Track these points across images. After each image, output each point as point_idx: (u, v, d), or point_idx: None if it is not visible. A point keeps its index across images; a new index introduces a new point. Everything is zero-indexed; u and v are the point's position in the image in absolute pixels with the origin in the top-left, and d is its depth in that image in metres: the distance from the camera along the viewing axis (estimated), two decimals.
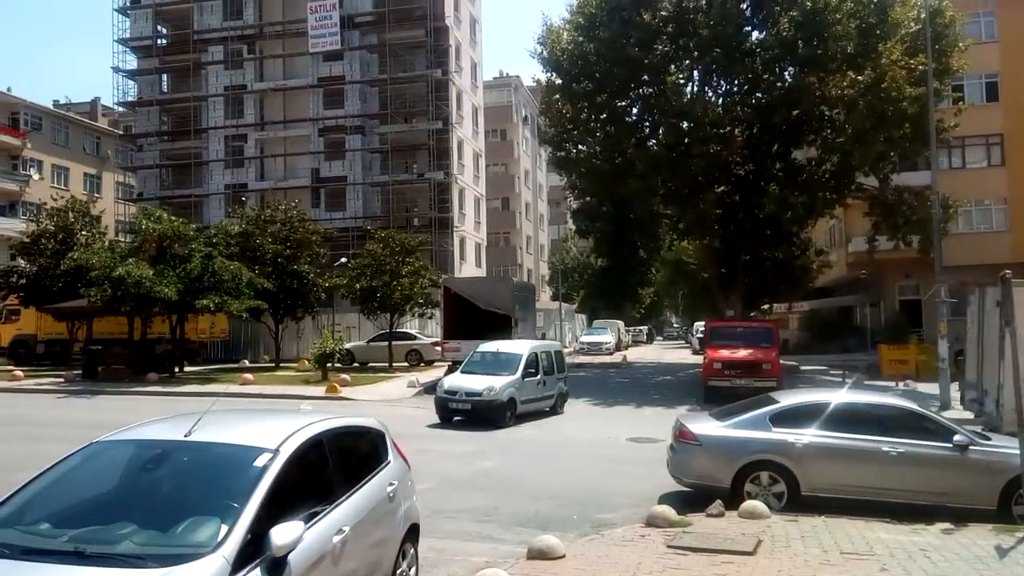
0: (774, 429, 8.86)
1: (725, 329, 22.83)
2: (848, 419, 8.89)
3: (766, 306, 42.60)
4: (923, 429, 8.78)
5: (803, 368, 29.10)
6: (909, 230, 27.41)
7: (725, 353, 20.05)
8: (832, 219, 36.51)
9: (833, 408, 9.00)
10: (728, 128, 27.27)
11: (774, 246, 31.87)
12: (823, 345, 38.64)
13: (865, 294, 37.95)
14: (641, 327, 75.18)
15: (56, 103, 59.87)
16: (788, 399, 9.65)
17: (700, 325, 45.57)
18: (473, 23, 50.74)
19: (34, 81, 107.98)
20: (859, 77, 23.37)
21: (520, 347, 17.82)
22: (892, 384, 21.90)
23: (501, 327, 23.48)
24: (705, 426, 9.34)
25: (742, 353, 19.94)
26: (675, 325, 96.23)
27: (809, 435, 8.72)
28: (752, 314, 36.27)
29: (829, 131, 26.94)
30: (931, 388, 18.66)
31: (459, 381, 16.56)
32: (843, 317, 41.95)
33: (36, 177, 50.12)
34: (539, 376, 17.37)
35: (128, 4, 47.16)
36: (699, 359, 30.79)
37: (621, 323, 55.61)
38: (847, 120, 25.26)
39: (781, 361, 20.89)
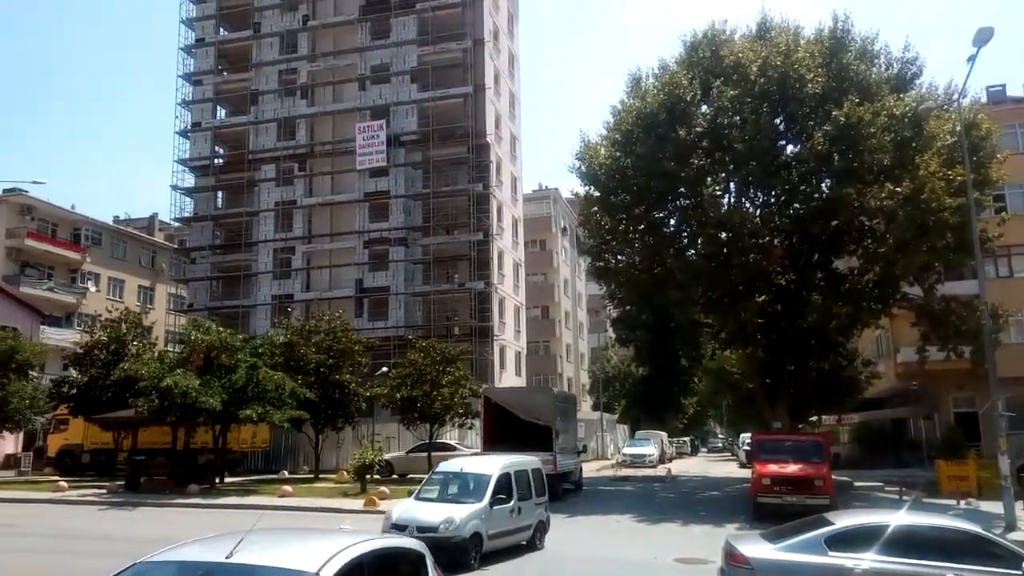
0: (830, 553, 8.43)
1: (773, 442, 22.12)
2: (909, 543, 8.42)
3: (814, 418, 41.38)
4: (989, 554, 8.27)
5: (856, 484, 27.92)
6: (960, 340, 26.73)
7: (774, 468, 19.35)
8: (878, 329, 35.84)
9: (893, 531, 8.56)
10: (767, 238, 27.38)
11: (820, 356, 31.28)
12: (876, 459, 37.13)
13: (918, 406, 36.69)
14: (684, 438, 73.35)
15: (116, 219, 62.95)
16: (844, 520, 9.22)
17: (746, 437, 44.32)
18: (513, 140, 52.69)
19: (97, 198, 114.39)
20: (897, 188, 23.47)
21: (489, 465, 14.26)
22: (952, 503, 20.83)
23: (542, 438, 23.16)
24: (757, 548, 8.94)
25: (792, 468, 19.23)
26: (719, 436, 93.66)
27: (868, 560, 8.27)
28: (800, 426, 35.21)
29: (870, 241, 26.85)
30: (995, 507, 17.70)
31: (411, 511, 13.32)
32: (896, 430, 40.46)
33: (93, 289, 52.15)
34: (512, 503, 13.85)
35: (189, 127, 50.15)
36: (746, 473, 29.79)
37: (664, 434, 54.42)
38: (888, 230, 25.19)
39: (833, 476, 20.07)
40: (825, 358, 31.89)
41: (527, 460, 15.37)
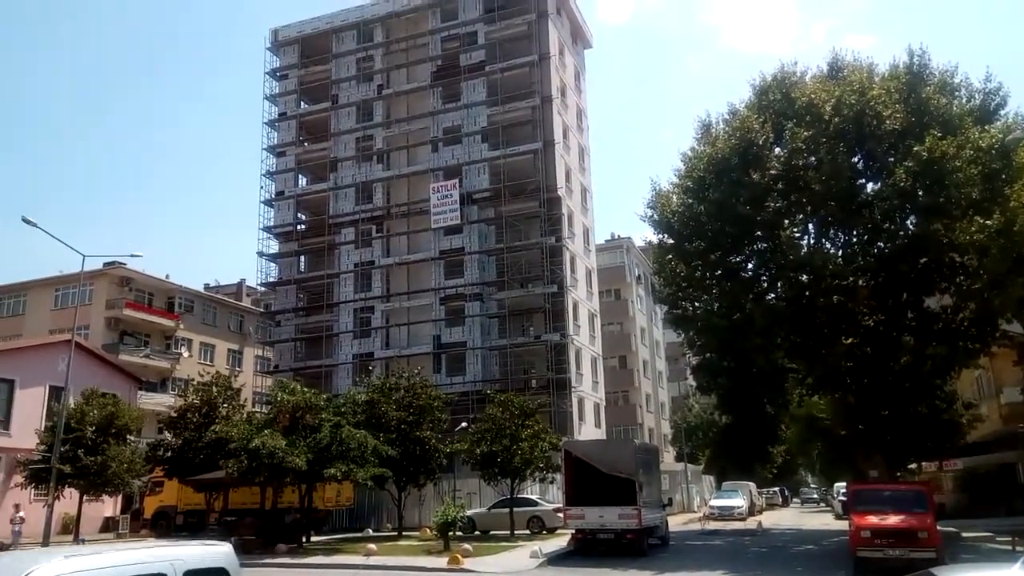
0: None
1: (871, 492, 21.04)
2: None
3: (913, 465, 39.21)
4: None
5: (964, 535, 26.18)
6: None
7: (874, 520, 18.34)
8: (978, 369, 33.97)
9: None
10: (851, 279, 26.53)
11: (915, 400, 29.77)
12: (984, 508, 34.79)
13: None
14: (774, 488, 70.47)
15: (207, 286, 66.01)
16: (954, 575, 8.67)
17: (841, 487, 42.28)
18: (584, 191, 53.06)
19: (189, 267, 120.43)
20: (988, 222, 22.47)
21: None
22: None
23: (625, 492, 22.66)
24: None
25: (893, 520, 18.19)
26: (812, 486, 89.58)
27: None
28: (898, 474, 33.42)
29: (962, 277, 25.67)
30: None
31: None
32: (1004, 475, 37.86)
33: (186, 355, 54.51)
34: None
35: (273, 196, 52.51)
36: (843, 524, 28.32)
37: (753, 485, 52.47)
38: (981, 265, 24.06)
39: (938, 527, 18.90)
40: (922, 402, 30.34)
41: None
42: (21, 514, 26.63)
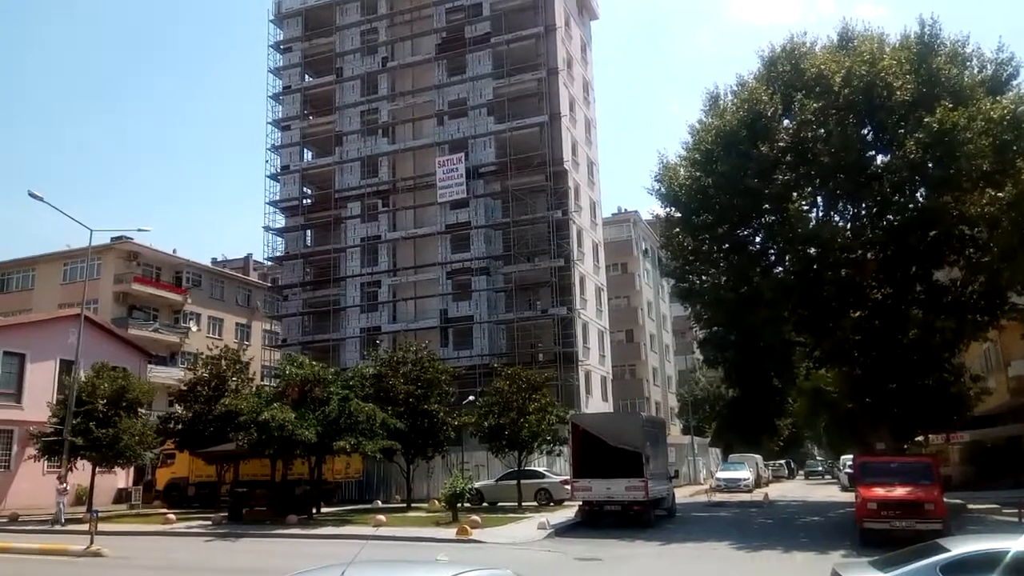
0: None
1: (878, 464, 21.10)
2: None
3: (920, 438, 39.28)
4: None
5: (970, 507, 26.32)
6: None
7: (880, 492, 18.42)
8: (986, 342, 33.88)
9: (1013, 557, 8.02)
10: (859, 252, 26.39)
11: (923, 373, 29.74)
12: (991, 480, 34.93)
13: None
14: (780, 461, 70.76)
15: (214, 260, 66.15)
16: (960, 547, 8.71)
17: (848, 459, 42.47)
18: (591, 165, 52.78)
19: (197, 242, 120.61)
20: (999, 194, 22.30)
21: None
22: None
23: (632, 464, 22.81)
24: None
25: (900, 491, 18.27)
26: (818, 459, 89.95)
27: None
28: (905, 447, 33.50)
29: (972, 250, 25.52)
30: None
31: None
32: (1011, 448, 37.96)
33: (194, 329, 54.78)
34: None
35: (279, 170, 52.39)
36: (849, 497, 28.54)
37: (759, 457, 52.78)
38: (991, 238, 23.91)
39: (945, 499, 18.98)
40: (929, 374, 30.33)
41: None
42: (64, 486, 26.96)
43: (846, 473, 41.76)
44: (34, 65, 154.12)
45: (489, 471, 34.59)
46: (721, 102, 28.99)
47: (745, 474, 43.94)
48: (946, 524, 17.02)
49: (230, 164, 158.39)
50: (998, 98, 24.35)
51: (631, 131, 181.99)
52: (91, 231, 29.96)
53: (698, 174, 27.76)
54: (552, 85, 46.40)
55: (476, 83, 47.44)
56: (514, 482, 30.27)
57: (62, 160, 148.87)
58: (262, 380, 45.66)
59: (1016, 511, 21.67)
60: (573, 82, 50.27)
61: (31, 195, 27.02)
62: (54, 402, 31.22)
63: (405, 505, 31.29)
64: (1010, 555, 8.04)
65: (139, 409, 30.94)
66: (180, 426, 32.64)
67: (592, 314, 48.39)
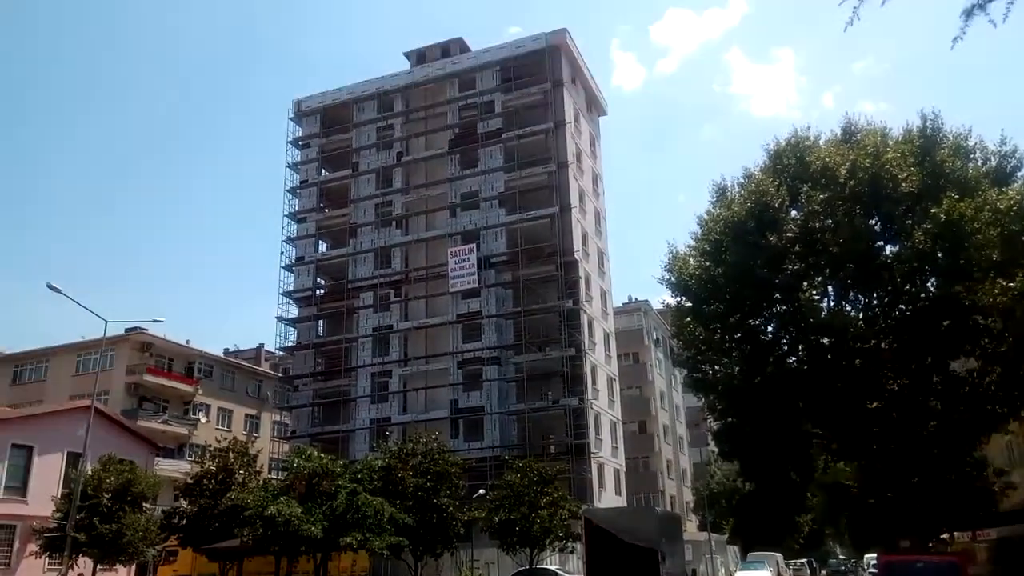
0: None
1: (903, 564, 20.31)
2: None
3: (945, 535, 37.85)
4: None
5: None
6: None
7: None
8: (1008, 435, 33.07)
9: None
10: (873, 342, 26.19)
11: (945, 467, 28.94)
12: None
13: None
14: (801, 559, 68.16)
15: (226, 350, 66.37)
16: None
17: (872, 558, 40.90)
18: (600, 255, 53.29)
19: (209, 332, 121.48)
20: (1011, 284, 22.23)
21: None
22: None
23: (647, 562, 22.04)
24: None
25: None
26: (840, 557, 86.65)
27: None
28: (930, 545, 32.28)
29: (987, 340, 25.26)
30: None
31: None
32: None
33: (204, 420, 54.46)
34: None
35: (293, 262, 53.17)
36: None
37: (779, 555, 50.87)
38: (1005, 328, 23.72)
39: None
40: (951, 468, 29.49)
41: None
42: None
43: (871, 573, 40.14)
44: (53, 153, 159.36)
45: (500, 569, 33.47)
46: (728, 193, 29.47)
47: (765, 573, 42.29)
48: None
49: (246, 255, 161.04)
50: (1004, 190, 24.62)
51: (640, 222, 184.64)
52: (106, 322, 30.23)
53: (707, 264, 27.94)
54: (562, 178, 47.44)
55: (488, 176, 48.57)
56: None
57: (76, 249, 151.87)
58: (270, 473, 44.97)
59: None
60: (583, 175, 51.37)
61: (50, 287, 27.43)
62: (59, 496, 30.80)
63: None
64: None
65: (144, 503, 30.44)
66: (184, 521, 31.90)
67: (604, 404, 47.83)
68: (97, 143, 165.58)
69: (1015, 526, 37.52)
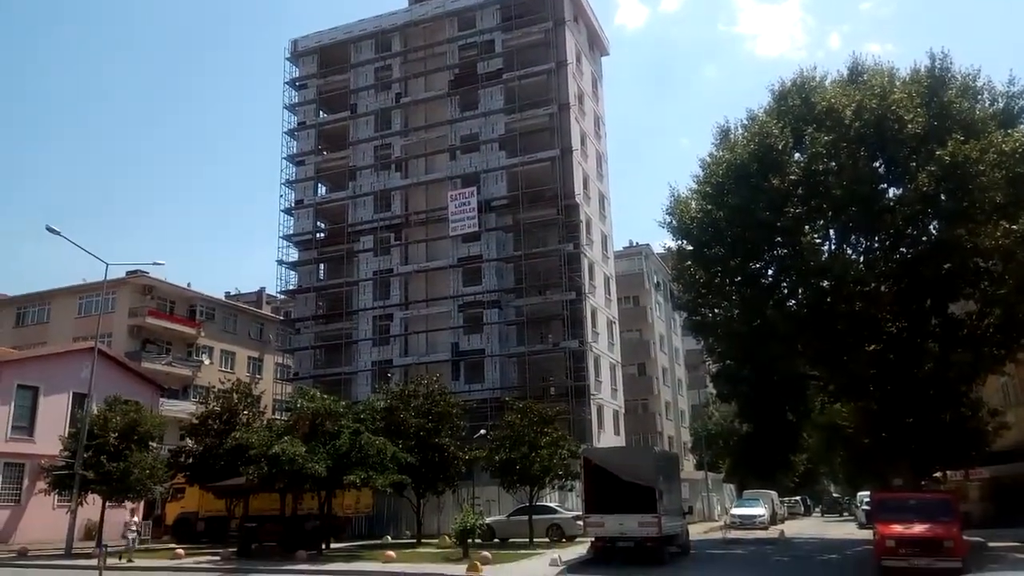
0: None
1: (895, 501, 20.71)
2: None
3: (938, 474, 38.58)
4: None
5: (991, 545, 25.72)
6: None
7: (898, 529, 18.07)
8: (1003, 376, 33.42)
9: None
10: (873, 285, 26.22)
11: (940, 408, 29.34)
12: (1011, 517, 34.12)
13: None
14: (796, 497, 69.73)
15: (227, 294, 66.50)
16: None
17: (864, 496, 41.76)
18: (602, 198, 52.98)
19: (211, 276, 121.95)
20: (1013, 227, 22.20)
21: None
22: None
23: (645, 500, 22.48)
24: None
25: (918, 529, 17.91)
26: (834, 495, 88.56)
27: None
28: (923, 483, 32.92)
29: (987, 283, 25.31)
30: None
31: None
32: None
33: (207, 362, 54.98)
34: None
35: (293, 205, 52.92)
36: (867, 534, 27.97)
37: (774, 493, 52.02)
38: (1006, 271, 23.75)
39: (964, 537, 18.58)
40: (946, 409, 29.90)
41: None
42: (136, 518, 26.93)
43: (863, 510, 41.04)
44: (53, 101, 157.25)
45: (500, 506, 34.21)
46: (732, 135, 29.14)
47: (760, 511, 43.27)
48: (966, 562, 16.69)
49: (245, 199, 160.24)
50: (1010, 131, 24.36)
51: (642, 165, 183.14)
52: (107, 265, 30.26)
53: (709, 207, 27.78)
54: (563, 120, 46.84)
55: (488, 118, 47.96)
56: (525, 518, 29.89)
57: (78, 195, 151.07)
58: (273, 414, 45.57)
59: None
60: (584, 117, 50.72)
61: (49, 229, 27.40)
62: (66, 435, 31.24)
63: (415, 541, 30.94)
64: None
65: (150, 442, 30.91)
66: (191, 460, 32.56)
67: (604, 348, 48.19)
68: (93, 87, 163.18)
69: (1007, 465, 38.24)
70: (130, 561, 24.33)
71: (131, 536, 25.92)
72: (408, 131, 50.74)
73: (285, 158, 54.01)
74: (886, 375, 27.82)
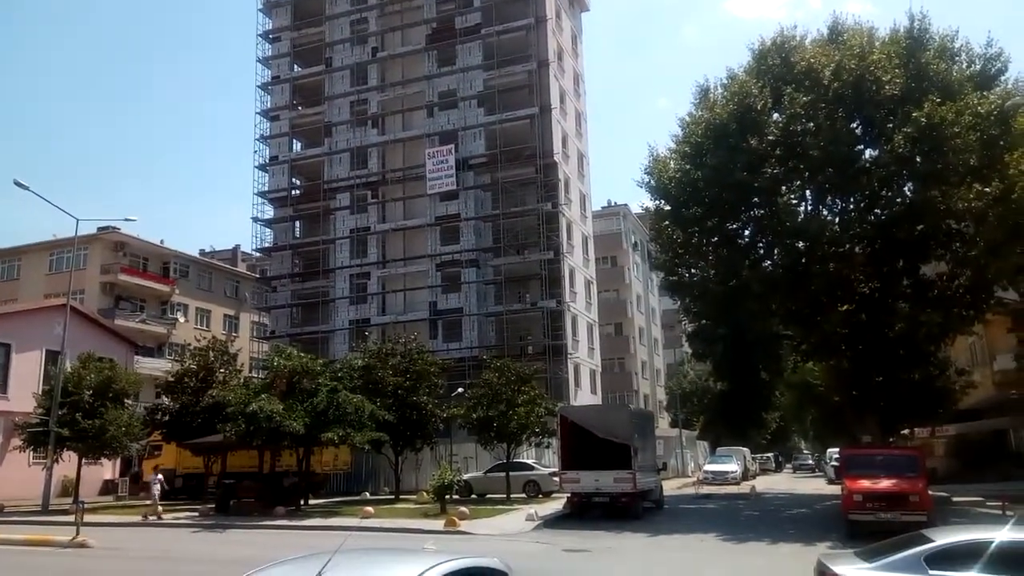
0: (931, 572, 8.01)
1: (864, 457, 21.27)
2: (1016, 559, 7.92)
3: (906, 431, 39.60)
4: None
5: (955, 499, 26.55)
6: None
7: (866, 484, 18.57)
8: (972, 336, 34.12)
9: (997, 547, 8.05)
10: (847, 246, 26.48)
11: (909, 367, 29.95)
12: (975, 473, 35.21)
13: (1019, 416, 34.67)
14: (768, 454, 71.29)
15: (202, 251, 65.78)
16: (944, 537, 8.75)
17: (834, 452, 42.78)
18: (581, 158, 52.72)
19: (184, 233, 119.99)
20: (986, 189, 22.38)
21: None
22: None
23: (620, 456, 22.87)
24: (852, 568, 8.57)
25: (885, 484, 18.42)
26: (805, 452, 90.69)
27: None
28: (891, 440, 33.78)
29: (959, 245, 25.63)
30: None
31: None
32: (996, 441, 38.30)
33: (182, 320, 54.50)
34: None
35: (267, 161, 52.09)
36: (835, 489, 28.74)
37: (747, 450, 53.04)
38: (977, 233, 24.03)
39: (930, 492, 19.15)
40: (915, 368, 30.54)
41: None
42: (159, 476, 26.73)
43: (832, 466, 42.07)
44: (19, 54, 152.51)
45: (478, 463, 34.61)
46: (711, 95, 28.97)
47: (733, 467, 44.17)
48: (931, 516, 17.16)
49: (218, 155, 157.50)
50: (985, 93, 24.42)
51: (621, 124, 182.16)
52: (77, 220, 29.78)
53: (688, 167, 27.73)
54: (543, 77, 46.28)
55: (466, 74, 47.27)
56: (502, 474, 30.30)
57: (48, 150, 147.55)
58: (250, 372, 45.47)
59: (999, 503, 21.88)
60: (563, 74, 50.16)
61: (16, 184, 26.80)
62: (40, 393, 30.99)
63: (393, 497, 31.28)
64: (993, 545, 8.07)
65: (126, 400, 30.78)
66: (167, 417, 32.49)
67: (581, 307, 48.43)
68: (62, 40, 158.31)
69: (972, 423, 39.31)
70: (160, 517, 24.32)
71: (156, 492, 25.69)
72: (385, 87, 49.90)
73: (259, 113, 53.01)
74: (858, 335, 28.28)
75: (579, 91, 54.31)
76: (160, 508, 24.93)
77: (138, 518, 24.61)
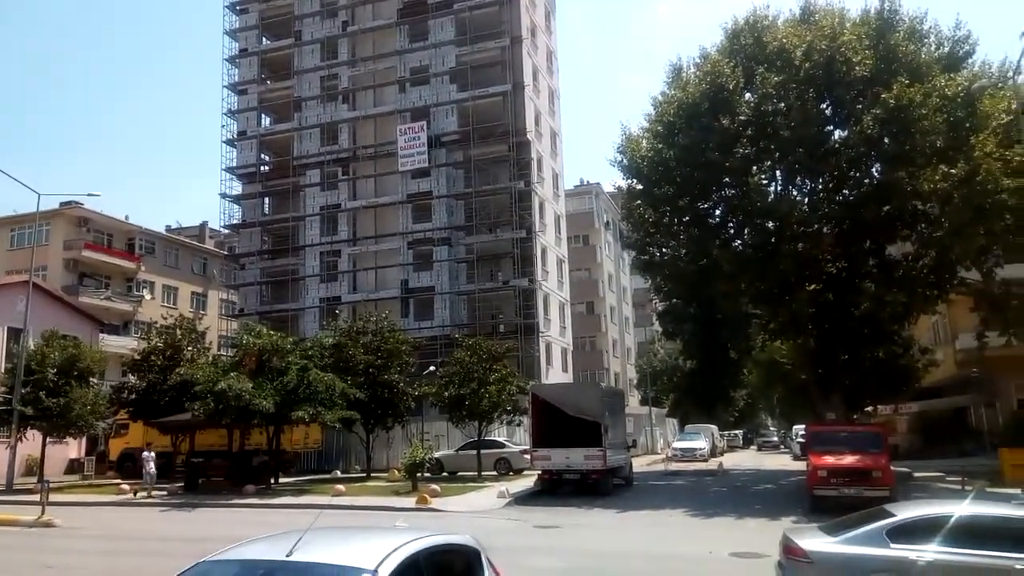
0: (892, 545, 8.20)
1: (828, 433, 21.68)
2: (973, 533, 8.14)
3: (869, 408, 40.43)
4: None
5: (916, 475, 27.22)
6: (1021, 326, 25.83)
7: (830, 460, 18.96)
8: (935, 316, 34.83)
9: (956, 521, 8.27)
10: (816, 226, 26.80)
11: (874, 345, 30.52)
12: (936, 449, 36.13)
13: (979, 394, 35.56)
14: (736, 431, 72.42)
15: (168, 228, 64.59)
16: (905, 511, 8.96)
17: (800, 429, 43.55)
18: (553, 136, 52.56)
19: (150, 209, 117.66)
20: (952, 170, 22.71)
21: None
22: (1017, 491, 20.09)
23: (590, 434, 23.07)
24: (816, 542, 8.75)
25: (849, 459, 18.83)
26: (771, 428, 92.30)
27: (931, 552, 8.02)
28: (855, 417, 34.47)
29: (924, 225, 26.07)
30: None
31: None
32: (957, 419, 39.30)
33: (148, 297, 53.66)
34: None
35: (235, 136, 51.18)
36: (801, 465, 29.27)
37: (715, 428, 53.79)
38: (943, 214, 24.43)
39: (892, 467, 19.60)
40: (880, 347, 31.12)
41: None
42: (152, 454, 26.39)
43: (798, 443, 42.88)
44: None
45: (449, 441, 34.70)
46: (684, 74, 28.98)
47: (701, 444, 44.81)
48: (893, 491, 17.59)
49: (185, 129, 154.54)
50: (953, 76, 24.69)
51: (594, 103, 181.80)
52: (39, 195, 29.09)
53: (660, 146, 27.78)
54: (516, 54, 45.92)
55: (439, 50, 46.75)
56: (474, 452, 30.42)
57: (8, 123, 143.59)
58: (219, 350, 44.98)
59: (959, 479, 22.48)
60: (537, 51, 49.82)
61: None
62: (2, 371, 30.39)
63: (364, 475, 31.28)
64: (953, 519, 8.28)
65: (91, 378, 30.30)
66: (134, 396, 32.06)
67: (553, 286, 48.53)
68: (23, 14, 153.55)
69: (934, 401, 40.22)
70: (149, 496, 24.32)
71: (152, 470, 25.48)
72: (355, 61, 49.15)
73: (227, 86, 51.96)
74: (824, 314, 28.73)
75: (552, 68, 54.01)
76: (151, 487, 24.88)
77: (108, 497, 24.36)
